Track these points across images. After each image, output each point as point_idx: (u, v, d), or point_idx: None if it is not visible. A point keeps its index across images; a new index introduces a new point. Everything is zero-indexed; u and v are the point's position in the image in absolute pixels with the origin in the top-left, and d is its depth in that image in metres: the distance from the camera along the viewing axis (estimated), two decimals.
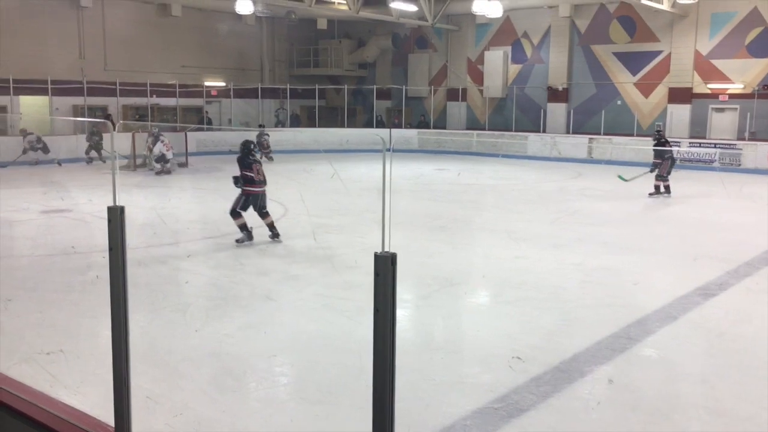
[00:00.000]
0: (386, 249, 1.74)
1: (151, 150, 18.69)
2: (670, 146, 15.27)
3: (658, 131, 16.27)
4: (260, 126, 23.58)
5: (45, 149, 19.28)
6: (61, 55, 22.77)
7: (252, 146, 9.83)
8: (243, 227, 9.56)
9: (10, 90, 21.12)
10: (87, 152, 20.24)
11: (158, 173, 17.82)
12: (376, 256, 1.75)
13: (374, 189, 13.79)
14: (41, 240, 9.96)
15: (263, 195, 9.66)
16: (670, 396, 4.97)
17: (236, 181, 9.54)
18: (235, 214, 9.54)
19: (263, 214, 9.68)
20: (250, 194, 9.50)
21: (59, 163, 19.29)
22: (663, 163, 14.59)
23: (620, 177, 15.57)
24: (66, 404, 3.08)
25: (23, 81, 21.36)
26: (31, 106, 22.61)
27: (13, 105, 21.64)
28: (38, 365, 4.86)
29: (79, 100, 22.94)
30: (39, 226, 10.97)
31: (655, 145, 15.00)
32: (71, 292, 7.24)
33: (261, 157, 14.71)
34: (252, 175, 9.47)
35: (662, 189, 14.66)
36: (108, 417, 2.85)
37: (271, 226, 9.74)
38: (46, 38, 22.32)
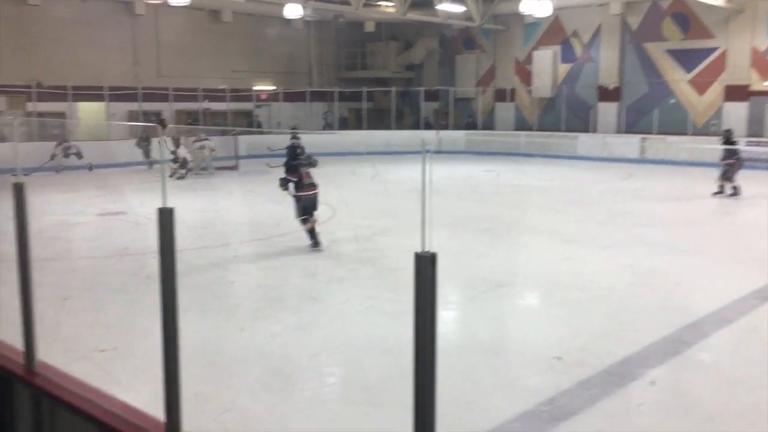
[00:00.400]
0: (426, 249, 1.75)
1: (174, 154, 18.76)
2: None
3: (726, 131, 15.89)
4: (292, 129, 23.31)
5: (79, 155, 19.13)
6: (116, 61, 23.44)
7: (297, 150, 9.92)
8: (311, 233, 9.39)
9: (69, 96, 21.84)
10: (147, 156, 20.36)
11: (177, 176, 17.29)
12: (417, 256, 1.76)
13: (418, 191, 13.72)
14: (97, 242, 10.26)
15: (316, 198, 9.49)
16: (723, 402, 4.83)
17: (282, 183, 9.45)
18: (302, 220, 9.42)
19: (312, 217, 9.52)
20: (301, 198, 9.37)
21: (90, 168, 19.23)
22: (734, 164, 14.30)
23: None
24: (119, 400, 3.17)
25: (81, 87, 22.06)
26: (88, 112, 23.33)
27: (71, 111, 22.37)
28: (93, 362, 5.02)
29: (134, 106, 23.54)
30: (95, 229, 11.31)
31: (724, 145, 14.68)
32: (126, 292, 7.44)
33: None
34: (296, 179, 9.38)
35: (728, 190, 14.25)
36: (159, 413, 2.93)
37: (312, 233, 9.43)
38: (102, 46, 23.01)
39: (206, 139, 19.07)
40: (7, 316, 4.17)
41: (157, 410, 2.97)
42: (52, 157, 18.78)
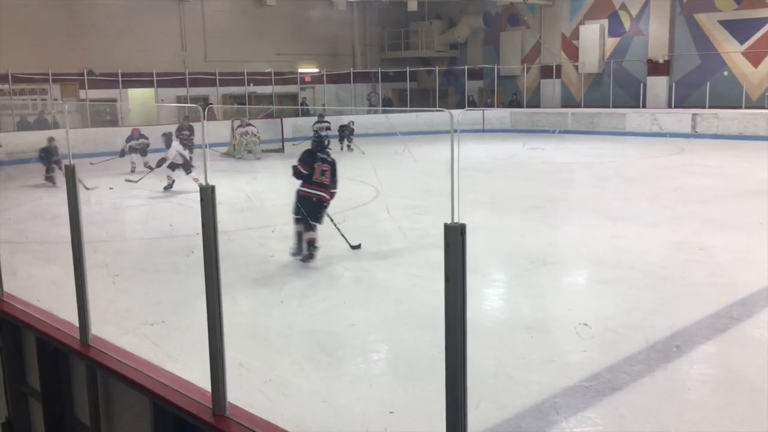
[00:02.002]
0: (455, 220, 1.77)
1: (236, 138, 18.86)
2: None
3: None
4: (319, 116, 21.19)
5: (143, 152, 16.98)
6: (164, 48, 23.86)
7: (324, 144, 8.20)
8: (299, 236, 7.79)
9: (119, 83, 22.37)
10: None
11: (166, 187, 13.15)
12: (446, 227, 1.79)
13: (463, 170, 13.68)
14: (148, 224, 10.54)
15: (319, 204, 7.77)
16: None
17: (294, 172, 7.81)
18: (295, 219, 7.81)
19: (309, 225, 7.68)
20: (301, 195, 7.76)
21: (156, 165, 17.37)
22: None
23: None
24: (168, 371, 3.29)
25: (130, 75, 22.58)
26: (138, 98, 23.86)
27: (122, 97, 22.92)
28: (144, 336, 5.19)
29: (182, 91, 23.98)
30: (147, 211, 11.61)
31: None
32: (175, 271, 7.65)
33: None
34: (306, 173, 7.74)
35: None
36: (206, 384, 3.04)
37: (310, 244, 7.69)
38: (150, 33, 23.44)
39: (250, 125, 19.27)
40: (64, 295, 4.35)
41: (204, 381, 3.08)
42: (122, 153, 17.20)
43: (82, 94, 22.06)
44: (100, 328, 3.91)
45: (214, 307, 2.82)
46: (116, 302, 6.34)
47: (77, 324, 3.83)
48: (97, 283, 5.17)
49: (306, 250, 7.72)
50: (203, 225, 2.73)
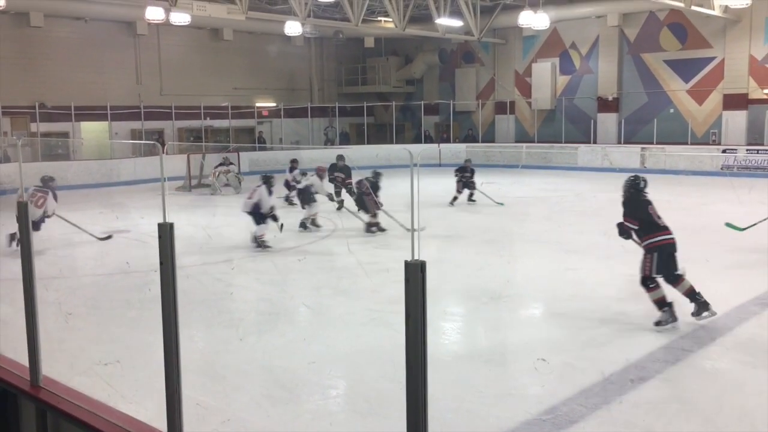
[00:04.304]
0: (416, 257, 1.81)
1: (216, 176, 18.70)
2: None
3: None
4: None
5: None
6: (119, 81, 23.64)
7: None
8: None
9: (72, 116, 22.03)
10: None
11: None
12: (407, 264, 1.82)
13: (421, 204, 13.83)
14: (102, 260, 10.32)
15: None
16: (726, 407, 4.86)
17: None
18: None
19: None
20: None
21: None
22: None
23: (730, 226, 10.44)
24: (122, 413, 3.21)
25: (84, 108, 22.26)
26: (91, 132, 23.51)
27: (74, 131, 22.55)
28: (97, 376, 5.06)
29: (136, 125, 23.73)
30: (100, 247, 11.37)
31: None
32: (130, 308, 7.49)
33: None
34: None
35: None
36: (162, 425, 2.98)
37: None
38: (104, 66, 23.21)
39: (231, 164, 19.17)
40: (13, 334, 4.23)
41: (160, 422, 3.02)
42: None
43: (33, 127, 21.64)
44: (52, 368, 3.80)
45: (171, 346, 2.78)
46: (69, 341, 6.18)
47: (27, 364, 3.72)
48: (49, 321, 5.04)
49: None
50: (161, 263, 2.71)
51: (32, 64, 21.69)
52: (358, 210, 12.28)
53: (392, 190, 14.96)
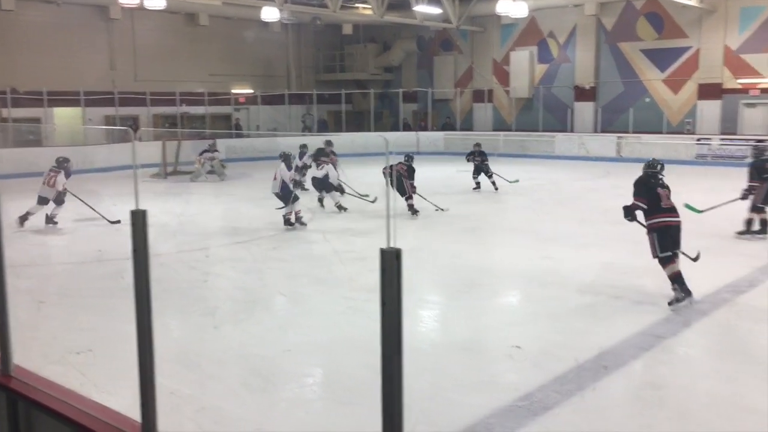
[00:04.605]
0: (392, 245, 1.79)
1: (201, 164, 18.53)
2: None
3: (756, 145, 12.40)
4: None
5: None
6: (92, 66, 23.27)
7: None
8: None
9: (44, 102, 21.65)
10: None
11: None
12: (382, 252, 1.80)
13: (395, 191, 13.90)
14: (74, 248, 10.19)
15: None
16: (697, 393, 4.93)
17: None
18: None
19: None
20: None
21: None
22: (759, 188, 10.28)
23: (689, 207, 10.05)
24: (95, 402, 3.17)
25: (56, 93, 21.87)
26: (64, 118, 23.13)
27: (47, 117, 22.17)
28: (70, 365, 5.00)
29: (110, 111, 23.39)
30: (72, 235, 11.23)
31: (753, 164, 10.70)
32: (103, 297, 7.40)
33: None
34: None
35: (757, 225, 10.36)
36: (136, 414, 2.94)
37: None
38: (77, 50, 22.82)
39: (216, 151, 18.97)
40: None
41: (133, 411, 2.98)
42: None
43: (5, 112, 21.23)
44: (23, 357, 3.74)
45: (144, 334, 2.75)
46: (41, 330, 6.09)
47: None
48: (20, 310, 4.96)
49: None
50: (134, 251, 2.66)
51: (3, 48, 21.27)
52: (401, 194, 12.47)
53: (369, 179, 14.98)
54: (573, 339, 6.00)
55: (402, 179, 12.27)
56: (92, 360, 5.26)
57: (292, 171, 11.59)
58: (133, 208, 2.66)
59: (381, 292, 1.83)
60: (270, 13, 22.09)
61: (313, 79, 30.21)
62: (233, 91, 26.68)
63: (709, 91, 22.27)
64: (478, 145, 16.53)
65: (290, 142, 20.81)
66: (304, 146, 15.77)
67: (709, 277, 7.85)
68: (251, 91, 27.23)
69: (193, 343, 6.00)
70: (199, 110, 25.58)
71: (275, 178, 11.23)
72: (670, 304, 6.69)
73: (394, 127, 28.76)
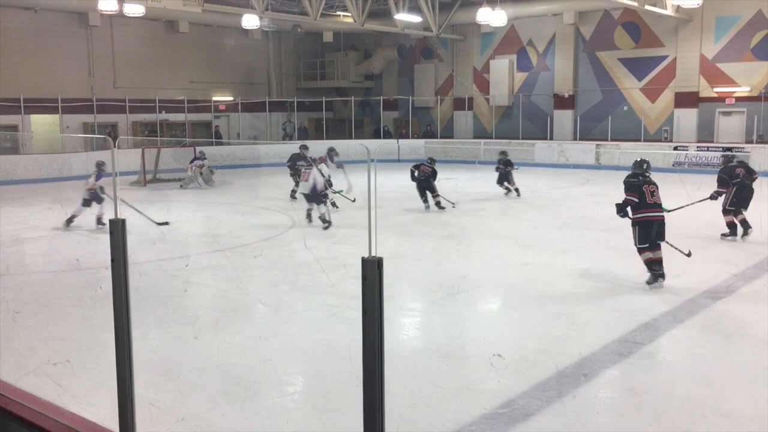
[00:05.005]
0: (373, 254, 1.79)
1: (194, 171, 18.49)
2: (752, 175, 11.05)
3: (725, 153, 12.68)
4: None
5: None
6: (70, 73, 23.05)
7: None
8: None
9: (21, 109, 21.41)
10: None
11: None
12: (364, 261, 1.80)
13: (379, 199, 13.96)
14: (51, 257, 10.06)
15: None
16: (676, 398, 4.97)
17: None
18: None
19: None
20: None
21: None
22: (727, 193, 10.70)
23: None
24: (73, 413, 3.13)
25: (34, 100, 21.64)
26: (41, 125, 22.88)
27: (24, 124, 21.91)
28: (46, 376, 4.93)
29: (89, 118, 23.19)
30: (50, 243, 11.09)
31: (722, 171, 11.02)
32: (81, 306, 7.32)
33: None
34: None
35: (738, 227, 10.82)
36: (114, 425, 2.91)
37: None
38: (55, 57, 22.60)
39: (204, 158, 18.85)
40: None
41: (111, 422, 2.95)
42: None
43: None
44: None
45: (123, 344, 2.72)
46: (16, 340, 6.01)
47: None
48: None
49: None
50: (113, 260, 2.64)
51: None
52: (430, 191, 13.94)
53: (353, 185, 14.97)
54: (554, 345, 6.03)
55: (430, 179, 13.79)
56: (69, 370, 5.19)
57: (327, 176, 12.19)
58: (112, 217, 2.64)
59: (362, 300, 1.83)
60: (250, 21, 22.03)
61: (293, 87, 30.18)
62: (213, 98, 26.57)
63: (686, 99, 22.57)
64: (504, 153, 16.87)
65: (270, 150, 20.81)
66: (332, 149, 15.67)
67: (689, 283, 7.95)
68: (231, 98, 27.13)
69: (172, 352, 5.94)
70: (179, 117, 25.45)
71: (306, 180, 11.90)
72: (648, 283, 7.80)
73: (375, 135, 28.82)
